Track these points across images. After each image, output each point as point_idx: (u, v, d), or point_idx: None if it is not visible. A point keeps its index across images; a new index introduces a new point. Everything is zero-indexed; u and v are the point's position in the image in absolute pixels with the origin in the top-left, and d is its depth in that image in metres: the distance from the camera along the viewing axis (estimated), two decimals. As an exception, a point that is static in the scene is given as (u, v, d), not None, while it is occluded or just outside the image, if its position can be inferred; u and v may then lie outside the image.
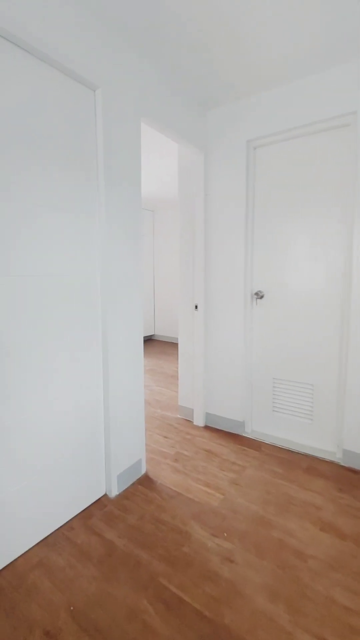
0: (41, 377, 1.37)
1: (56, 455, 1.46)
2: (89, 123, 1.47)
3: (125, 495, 1.71)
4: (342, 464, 1.97)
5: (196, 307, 2.41)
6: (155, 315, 5.84)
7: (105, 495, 1.71)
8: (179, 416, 2.63)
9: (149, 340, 5.75)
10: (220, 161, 2.24)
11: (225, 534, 1.46)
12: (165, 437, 2.31)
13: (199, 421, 2.47)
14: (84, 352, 1.55)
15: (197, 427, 2.46)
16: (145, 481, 1.82)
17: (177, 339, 5.47)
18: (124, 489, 1.75)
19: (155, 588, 1.22)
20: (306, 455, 2.08)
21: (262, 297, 2.21)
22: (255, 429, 2.32)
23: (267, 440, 2.25)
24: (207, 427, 2.46)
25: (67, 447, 1.50)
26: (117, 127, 1.55)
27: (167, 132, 1.92)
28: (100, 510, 1.61)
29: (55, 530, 1.47)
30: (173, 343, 5.50)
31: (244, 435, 2.33)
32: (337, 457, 2.00)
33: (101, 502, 1.66)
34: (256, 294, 2.22)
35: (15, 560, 1.33)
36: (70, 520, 1.54)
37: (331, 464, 1.99)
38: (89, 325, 1.56)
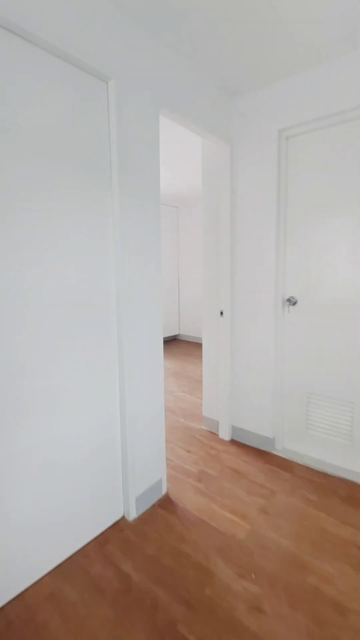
0: (51, 394, 1.28)
1: (70, 476, 1.37)
2: (101, 117, 1.33)
3: (144, 519, 1.60)
4: (388, 494, 1.74)
5: (221, 313, 2.24)
6: (180, 314, 5.71)
7: (123, 518, 1.61)
8: (203, 427, 2.49)
9: (173, 341, 5.64)
10: (248, 154, 2.04)
11: (254, 575, 1.31)
12: (189, 451, 2.18)
13: (225, 434, 2.32)
14: (98, 366, 1.44)
15: (222, 441, 2.30)
16: (166, 503, 1.70)
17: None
18: (143, 511, 1.64)
19: (174, 638, 1.09)
20: (344, 481, 1.86)
21: (295, 303, 2.00)
22: (286, 447, 2.13)
23: (300, 461, 2.05)
24: (233, 442, 2.30)
25: (82, 466, 1.41)
26: (132, 121, 1.41)
27: (189, 124, 1.75)
28: (117, 535, 1.51)
29: (69, 557, 1.39)
30: (199, 343, 5.35)
31: (274, 453, 2.15)
32: (382, 485, 1.77)
33: (119, 526, 1.56)
34: (288, 300, 2.01)
35: (26, 590, 1.26)
36: (86, 545, 1.45)
37: (374, 493, 1.77)
38: (103, 338, 1.45)
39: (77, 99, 1.25)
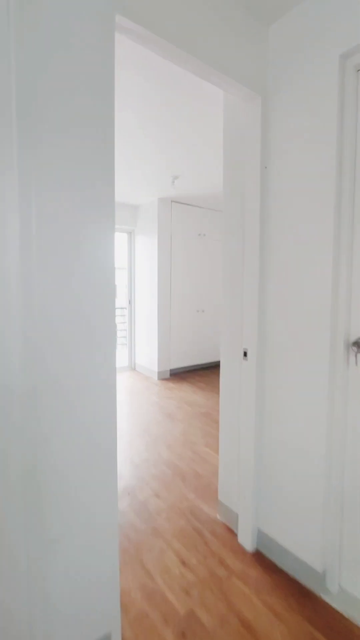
0: None
1: None
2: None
3: None
4: None
5: (245, 353, 1.49)
6: (229, 337, 4.92)
7: None
8: (217, 517, 1.71)
9: (217, 368, 4.86)
10: (291, 106, 1.29)
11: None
12: (184, 562, 1.43)
13: (246, 540, 1.51)
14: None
15: (240, 551, 1.50)
16: None
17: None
18: None
19: None
20: None
21: (367, 348, 1.15)
22: (346, 590, 1.24)
23: (371, 632, 1.15)
24: (257, 556, 1.47)
25: None
26: (52, 32, 0.82)
27: (184, 59, 1.11)
28: None
29: None
30: (247, 373, 4.48)
31: (322, 598, 1.27)
32: None
33: None
34: (356, 343, 1.17)
35: None
36: None
37: None
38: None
39: None
